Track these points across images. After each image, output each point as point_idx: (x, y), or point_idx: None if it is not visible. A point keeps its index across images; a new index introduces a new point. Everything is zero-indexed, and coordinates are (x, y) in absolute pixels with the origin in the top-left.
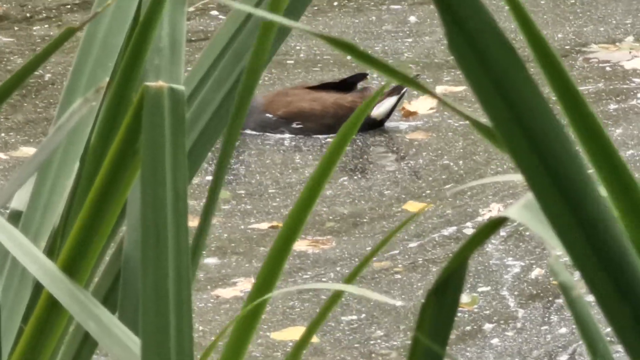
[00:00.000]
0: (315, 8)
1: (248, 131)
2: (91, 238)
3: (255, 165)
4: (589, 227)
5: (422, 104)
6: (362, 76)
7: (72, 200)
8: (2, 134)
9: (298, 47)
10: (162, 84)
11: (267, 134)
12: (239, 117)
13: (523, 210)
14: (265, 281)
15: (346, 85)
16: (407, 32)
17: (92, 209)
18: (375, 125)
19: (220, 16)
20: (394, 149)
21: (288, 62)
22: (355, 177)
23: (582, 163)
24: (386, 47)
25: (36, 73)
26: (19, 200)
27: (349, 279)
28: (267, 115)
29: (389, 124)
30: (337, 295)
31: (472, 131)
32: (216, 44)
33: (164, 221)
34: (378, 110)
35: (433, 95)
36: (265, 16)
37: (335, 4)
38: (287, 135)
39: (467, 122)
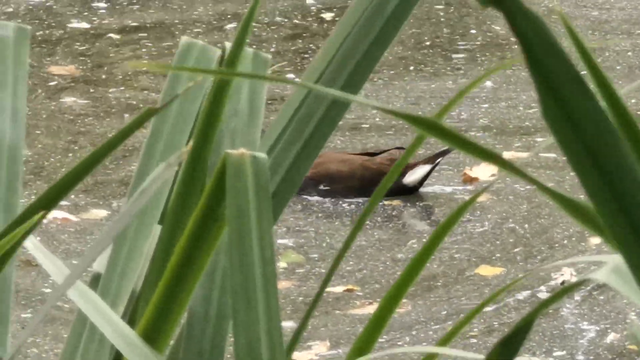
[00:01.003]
0: (392, 72)
1: None
2: (172, 305)
3: (324, 228)
4: None
5: (483, 170)
6: (400, 150)
7: (151, 264)
8: (72, 196)
9: (374, 112)
10: (244, 151)
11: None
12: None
13: (610, 273)
14: (362, 347)
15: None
16: (484, 98)
17: (173, 275)
18: (406, 192)
19: (297, 80)
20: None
21: (363, 126)
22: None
23: None
24: (462, 113)
25: (104, 133)
26: (100, 263)
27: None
28: None
29: (431, 188)
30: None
31: (536, 194)
32: (288, 107)
33: (253, 287)
34: (410, 178)
35: (497, 161)
36: (325, 91)
37: (412, 68)
38: (349, 200)
39: (531, 186)
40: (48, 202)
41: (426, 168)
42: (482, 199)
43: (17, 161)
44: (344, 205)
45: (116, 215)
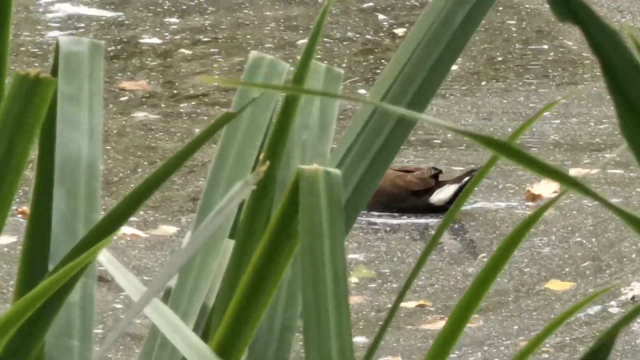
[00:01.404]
0: (464, 88)
1: None
2: (245, 320)
3: (394, 243)
4: None
5: (545, 188)
6: (435, 169)
7: (224, 279)
8: (141, 212)
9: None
10: (317, 167)
11: None
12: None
13: None
14: None
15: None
16: (555, 113)
17: (247, 290)
18: (435, 210)
19: (367, 94)
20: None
21: (434, 141)
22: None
23: None
24: (534, 129)
25: (175, 149)
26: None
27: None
28: None
29: (494, 204)
30: None
31: (602, 209)
32: (357, 122)
33: (324, 300)
34: (437, 196)
35: (565, 180)
36: (390, 109)
37: (484, 83)
38: (377, 213)
39: (597, 201)
40: (121, 215)
41: (453, 188)
42: (545, 213)
43: (95, 177)
44: (411, 219)
45: (185, 231)
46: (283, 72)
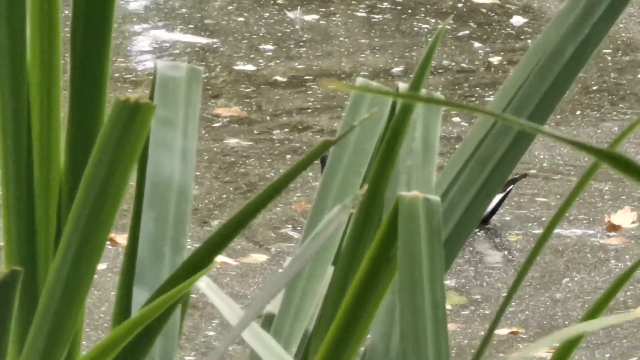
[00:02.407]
0: (558, 117)
1: None
2: (345, 346)
3: (481, 266)
4: None
5: (624, 217)
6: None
7: (323, 305)
8: None
9: (542, 156)
10: (416, 194)
11: None
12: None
13: None
14: None
15: None
16: None
17: (346, 316)
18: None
19: (462, 123)
20: (592, 252)
21: (530, 170)
22: (576, 279)
23: None
24: (638, 155)
25: (263, 174)
26: (273, 304)
27: None
28: None
29: (569, 231)
30: None
31: None
32: (466, 148)
33: (423, 329)
34: None
35: None
36: (513, 121)
37: (578, 112)
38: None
39: None
40: (217, 245)
41: (497, 198)
42: (617, 242)
43: (186, 201)
44: (488, 238)
45: (276, 259)
46: (389, 99)
